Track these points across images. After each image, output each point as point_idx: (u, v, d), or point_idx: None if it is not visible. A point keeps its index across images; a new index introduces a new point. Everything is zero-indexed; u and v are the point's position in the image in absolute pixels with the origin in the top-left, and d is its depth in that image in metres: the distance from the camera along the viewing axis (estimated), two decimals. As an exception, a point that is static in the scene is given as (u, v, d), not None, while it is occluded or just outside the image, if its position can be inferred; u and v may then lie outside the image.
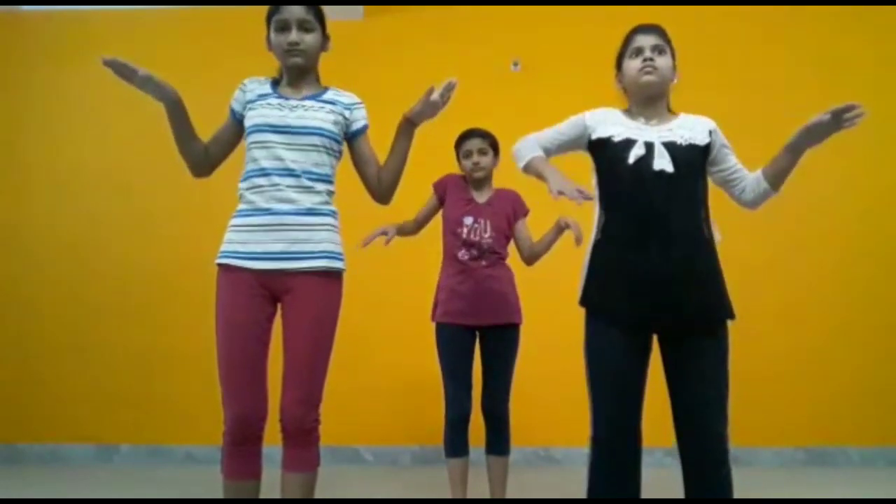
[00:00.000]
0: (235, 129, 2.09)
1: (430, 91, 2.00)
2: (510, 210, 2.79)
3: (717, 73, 4.09)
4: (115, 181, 4.25)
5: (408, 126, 2.07)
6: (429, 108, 2.02)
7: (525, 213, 2.83)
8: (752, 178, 2.02)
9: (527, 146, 2.04)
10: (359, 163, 2.12)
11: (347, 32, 4.09)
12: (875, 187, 4.11)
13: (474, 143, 2.78)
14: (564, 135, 2.07)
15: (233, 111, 2.08)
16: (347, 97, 2.10)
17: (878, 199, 4.11)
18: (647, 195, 1.90)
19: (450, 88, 2.00)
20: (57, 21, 4.36)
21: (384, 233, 2.74)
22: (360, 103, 2.11)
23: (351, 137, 2.10)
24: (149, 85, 1.90)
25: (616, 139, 1.97)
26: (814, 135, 1.87)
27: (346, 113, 2.07)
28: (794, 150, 1.92)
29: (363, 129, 2.10)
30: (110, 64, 1.83)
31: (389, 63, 4.19)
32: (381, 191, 2.12)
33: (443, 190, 2.85)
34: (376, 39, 4.27)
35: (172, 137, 2.02)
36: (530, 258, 2.81)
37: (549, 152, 2.06)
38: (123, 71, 1.86)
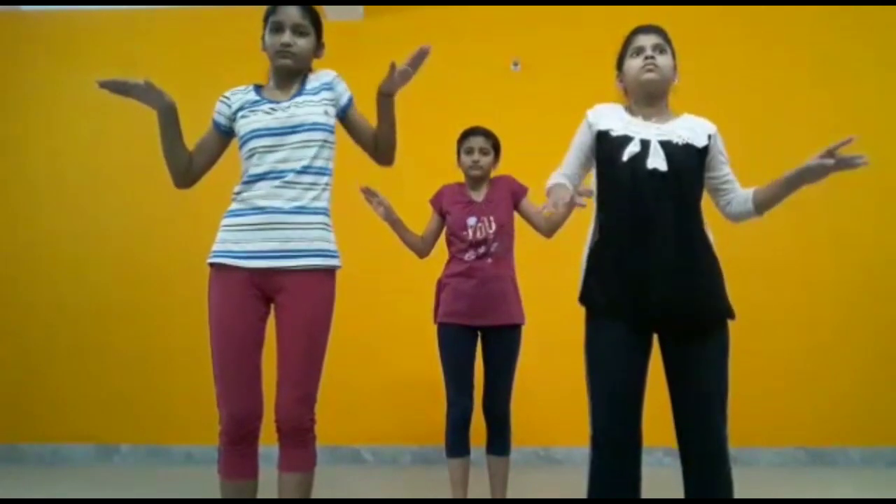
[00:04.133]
0: (219, 141, 2.09)
1: (393, 67, 1.99)
2: (509, 196, 2.78)
3: (717, 73, 4.09)
4: (114, 181, 4.25)
5: (384, 99, 2.05)
6: (400, 78, 2.00)
7: (524, 191, 2.80)
8: (741, 194, 2.02)
9: (550, 182, 2.04)
10: (355, 133, 2.13)
11: (347, 32, 4.09)
12: (876, 187, 4.10)
13: (477, 142, 2.78)
14: (578, 147, 2.08)
15: (217, 124, 2.08)
16: (325, 76, 2.09)
17: (879, 198, 4.11)
18: (640, 193, 1.90)
19: (422, 55, 1.97)
20: (57, 21, 4.36)
21: (376, 198, 2.70)
22: (338, 76, 2.11)
23: (341, 113, 2.10)
24: (150, 94, 1.93)
25: (614, 133, 1.98)
26: (813, 174, 1.86)
27: (330, 94, 2.06)
28: (790, 185, 1.92)
29: (350, 101, 2.10)
30: (106, 86, 1.87)
31: (389, 63, 4.18)
32: (381, 155, 2.12)
33: (439, 203, 2.85)
34: (376, 39, 4.26)
35: (160, 144, 2.03)
36: (549, 230, 2.77)
37: (572, 177, 2.06)
38: (121, 88, 1.89)
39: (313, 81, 2.08)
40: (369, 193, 2.71)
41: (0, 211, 4.28)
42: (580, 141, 2.08)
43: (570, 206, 1.94)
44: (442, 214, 2.84)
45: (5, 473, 3.77)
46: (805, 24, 4.21)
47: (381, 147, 2.11)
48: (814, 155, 1.85)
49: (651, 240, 1.87)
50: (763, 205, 1.98)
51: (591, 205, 2.12)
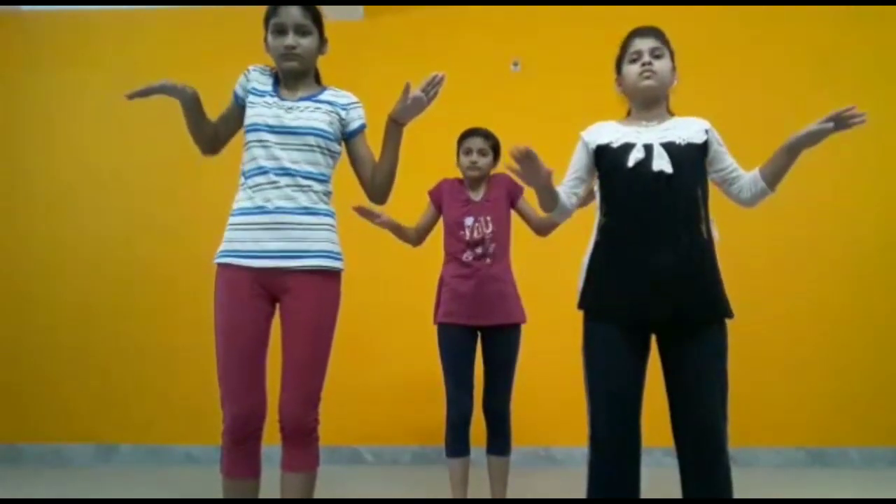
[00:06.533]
0: (239, 112, 2.10)
1: (407, 89, 1.97)
2: (506, 195, 2.79)
3: (716, 72, 4.09)
4: (114, 181, 4.25)
5: (394, 126, 2.05)
6: (413, 106, 1.99)
7: (521, 190, 2.79)
8: (748, 177, 2.03)
9: None
10: (355, 163, 2.12)
11: (347, 32, 4.09)
12: (875, 186, 4.10)
13: (476, 143, 2.78)
14: (577, 166, 2.10)
15: (235, 95, 2.10)
16: (344, 97, 2.10)
17: (879, 198, 4.10)
18: (646, 196, 1.91)
19: (436, 83, 1.96)
20: (57, 21, 4.36)
21: (378, 216, 2.67)
22: (357, 103, 2.11)
23: (347, 137, 2.10)
24: (169, 91, 1.97)
25: (615, 144, 2.00)
26: (814, 138, 1.88)
27: (343, 113, 2.07)
28: (792, 151, 1.93)
29: (360, 129, 2.10)
30: (133, 96, 1.94)
31: (389, 63, 4.18)
32: (376, 191, 2.11)
33: (438, 196, 2.85)
34: (376, 39, 4.27)
35: (185, 124, 2.06)
36: (542, 229, 2.80)
37: (574, 194, 2.09)
38: (146, 93, 1.94)
39: (330, 95, 2.08)
40: (365, 213, 2.60)
41: None
42: (577, 160, 2.11)
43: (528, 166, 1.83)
44: (439, 207, 2.84)
45: (5, 473, 3.77)
46: (804, 22, 4.21)
47: (377, 179, 2.08)
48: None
49: (653, 241, 1.88)
50: (773, 179, 1.98)
51: (593, 209, 2.13)
